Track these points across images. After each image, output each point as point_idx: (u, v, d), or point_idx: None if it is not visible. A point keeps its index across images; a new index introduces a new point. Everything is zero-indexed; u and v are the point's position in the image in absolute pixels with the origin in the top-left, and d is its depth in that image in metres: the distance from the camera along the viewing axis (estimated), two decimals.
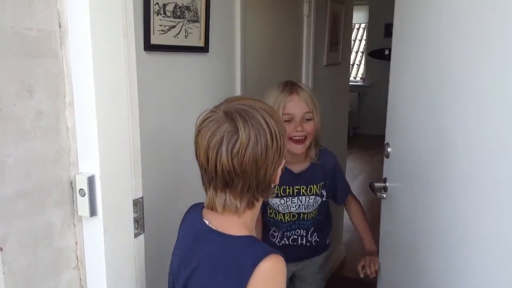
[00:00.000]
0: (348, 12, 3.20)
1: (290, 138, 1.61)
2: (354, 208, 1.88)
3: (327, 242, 1.94)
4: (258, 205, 1.02)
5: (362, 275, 1.75)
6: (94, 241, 1.05)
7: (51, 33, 0.97)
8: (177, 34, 1.42)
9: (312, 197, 1.75)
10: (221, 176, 0.93)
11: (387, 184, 1.66)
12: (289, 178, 1.70)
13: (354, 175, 6.14)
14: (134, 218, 1.15)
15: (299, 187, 1.73)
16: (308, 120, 1.63)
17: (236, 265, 0.93)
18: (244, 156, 0.90)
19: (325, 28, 2.77)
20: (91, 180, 1.01)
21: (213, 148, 0.91)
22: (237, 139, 0.90)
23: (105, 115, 1.02)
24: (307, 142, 1.65)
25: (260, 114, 0.94)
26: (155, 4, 1.30)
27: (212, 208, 0.99)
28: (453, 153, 1.16)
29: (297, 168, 1.73)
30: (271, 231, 1.81)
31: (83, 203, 1.02)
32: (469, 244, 1.10)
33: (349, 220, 1.95)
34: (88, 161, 1.02)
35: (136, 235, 1.17)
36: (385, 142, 1.66)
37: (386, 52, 8.08)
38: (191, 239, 1.03)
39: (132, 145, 1.12)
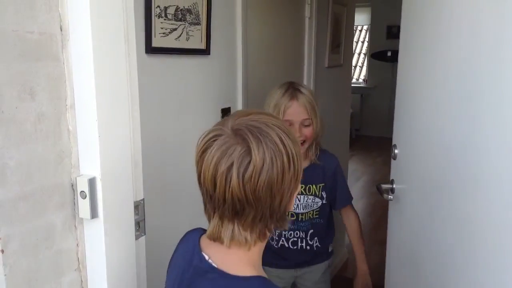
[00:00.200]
0: (350, 14, 3.20)
1: None
2: (352, 223, 1.87)
3: (330, 250, 1.91)
4: (268, 236, 0.89)
5: None
6: (95, 243, 1.06)
7: (53, 36, 0.97)
8: (178, 37, 1.42)
9: (311, 197, 1.75)
10: (230, 204, 0.79)
11: (394, 185, 1.66)
12: None
13: (357, 177, 6.14)
14: (135, 220, 1.15)
15: None
16: (307, 125, 1.64)
17: None
18: (258, 182, 0.77)
19: (327, 30, 2.77)
20: (92, 182, 1.01)
21: (222, 173, 0.77)
22: (250, 161, 0.77)
23: (106, 117, 1.02)
24: (306, 145, 1.67)
25: (275, 133, 0.81)
26: (156, 7, 1.31)
27: (217, 239, 0.85)
28: (461, 155, 1.16)
29: None
30: None
31: (84, 205, 1.02)
32: (476, 247, 1.10)
33: None
34: (89, 163, 1.02)
35: (137, 237, 1.17)
36: (393, 143, 1.67)
37: (389, 54, 8.10)
38: (187, 276, 0.89)
39: (133, 147, 1.12)
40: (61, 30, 0.99)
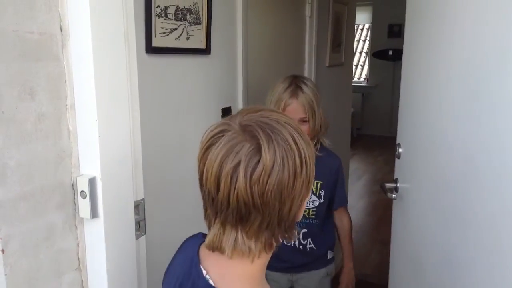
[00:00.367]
0: (351, 13, 3.20)
1: None
2: (344, 225, 1.87)
3: (329, 257, 1.86)
4: (274, 247, 0.81)
5: None
6: (95, 242, 1.06)
7: (53, 36, 0.97)
8: (178, 37, 1.42)
9: None
10: (235, 208, 0.71)
11: (398, 184, 1.67)
12: None
13: (358, 176, 6.14)
14: (135, 220, 1.15)
15: None
16: (304, 121, 1.64)
17: None
18: (267, 184, 0.69)
19: (328, 29, 2.77)
20: (92, 182, 1.01)
21: (227, 173, 0.70)
22: (259, 160, 0.69)
23: (106, 117, 1.02)
24: None
25: (287, 131, 0.73)
26: (157, 7, 1.31)
27: (217, 249, 0.77)
28: (464, 154, 1.16)
29: None
30: None
31: (84, 205, 1.02)
32: (480, 246, 1.09)
33: (357, 221, 1.95)
34: (90, 163, 1.03)
35: (137, 237, 1.17)
36: (397, 142, 1.68)
37: (390, 52, 8.10)
38: None
39: (133, 147, 1.12)
40: (61, 30, 0.99)
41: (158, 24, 1.33)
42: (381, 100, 8.45)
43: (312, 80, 2.57)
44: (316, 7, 2.55)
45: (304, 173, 0.73)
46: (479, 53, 1.09)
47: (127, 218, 1.12)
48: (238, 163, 0.69)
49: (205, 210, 0.79)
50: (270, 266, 0.85)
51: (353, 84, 3.84)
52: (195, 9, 1.47)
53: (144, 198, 1.19)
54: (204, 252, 0.83)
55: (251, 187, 0.69)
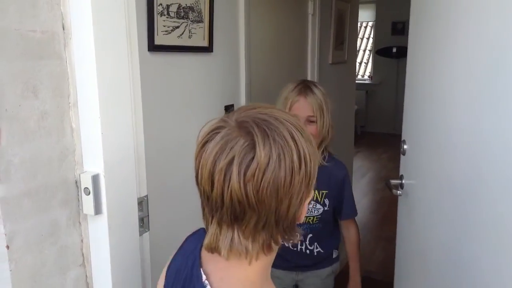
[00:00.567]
0: (354, 10, 3.20)
1: None
2: (351, 237, 1.84)
3: (334, 256, 1.86)
4: (276, 249, 0.78)
5: None
6: (99, 239, 1.07)
7: (55, 34, 0.98)
8: (181, 35, 1.43)
9: (312, 202, 1.71)
10: (229, 207, 0.69)
11: (403, 181, 1.67)
12: None
13: (362, 173, 6.13)
14: (139, 216, 1.16)
15: None
16: (312, 122, 1.61)
17: None
18: (261, 181, 0.67)
19: (330, 26, 2.77)
20: (95, 179, 1.02)
21: (221, 170, 0.68)
22: (253, 158, 0.67)
23: (108, 115, 1.03)
24: None
25: (285, 128, 0.71)
26: (159, 5, 1.32)
27: (214, 250, 0.75)
28: (469, 151, 1.16)
29: None
30: None
31: (88, 202, 1.03)
32: (484, 243, 1.09)
33: (356, 218, 1.93)
34: (93, 160, 1.04)
35: (141, 233, 1.18)
36: (402, 139, 1.68)
37: (394, 50, 8.08)
38: None
39: (136, 144, 1.13)
40: (63, 29, 1.00)
41: (160, 22, 1.34)
42: (385, 97, 8.44)
43: (315, 77, 2.58)
44: (318, 5, 2.55)
45: (303, 171, 0.70)
46: (483, 51, 1.09)
47: (130, 214, 1.13)
48: (232, 160, 0.67)
49: (203, 209, 0.77)
50: (275, 265, 0.83)
51: (356, 81, 3.85)
52: (197, 7, 1.47)
53: (147, 195, 1.20)
54: (205, 253, 0.81)
55: (245, 185, 0.67)
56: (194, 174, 0.75)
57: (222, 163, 0.68)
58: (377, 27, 8.73)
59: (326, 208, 1.73)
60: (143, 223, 1.19)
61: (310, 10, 2.52)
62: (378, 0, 8.24)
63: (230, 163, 0.68)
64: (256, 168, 0.67)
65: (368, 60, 9.98)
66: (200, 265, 0.80)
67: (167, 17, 1.36)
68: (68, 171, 1.03)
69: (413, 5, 1.59)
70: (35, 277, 0.97)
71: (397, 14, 7.63)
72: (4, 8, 0.87)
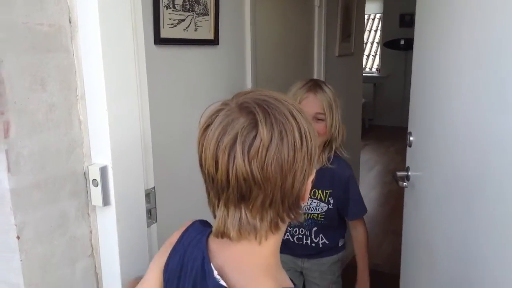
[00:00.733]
0: (361, 2, 3.18)
1: None
2: (359, 236, 1.83)
3: (340, 244, 1.87)
4: (283, 229, 0.78)
5: None
6: (107, 230, 1.08)
7: (62, 28, 0.99)
8: (186, 27, 1.43)
9: (316, 201, 1.72)
10: (235, 187, 0.70)
11: (409, 173, 1.67)
12: None
13: (370, 166, 6.13)
14: (146, 208, 1.17)
15: None
16: (320, 120, 1.60)
17: None
18: (265, 158, 0.68)
19: (337, 18, 2.77)
20: (103, 171, 1.04)
21: (224, 149, 0.69)
22: (256, 135, 0.68)
23: (115, 107, 1.04)
24: (318, 142, 1.62)
25: (285, 107, 0.73)
26: None
27: (224, 234, 0.75)
28: (475, 142, 1.15)
29: None
30: None
31: (96, 193, 1.04)
32: (490, 234, 1.09)
33: (369, 212, 1.91)
34: (100, 152, 1.05)
35: (149, 225, 1.20)
36: (408, 131, 1.67)
37: (402, 42, 8.03)
38: None
39: (143, 136, 1.14)
40: (70, 22, 1.01)
41: (166, 15, 1.34)
42: (393, 90, 8.40)
43: (322, 69, 2.58)
44: None
45: (304, 147, 0.72)
46: (490, 41, 1.09)
47: (138, 206, 1.14)
48: (235, 139, 0.69)
49: (208, 194, 0.78)
50: (280, 250, 0.83)
51: (364, 74, 3.83)
52: None
53: (154, 187, 1.21)
54: (213, 245, 0.82)
55: (249, 162, 0.68)
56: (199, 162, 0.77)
57: (225, 143, 0.69)
58: (384, 19, 8.69)
59: (330, 206, 1.73)
60: (151, 214, 1.20)
61: (316, 2, 2.51)
62: None
63: (234, 142, 0.69)
64: (259, 145, 0.68)
65: (376, 52, 9.93)
66: (210, 260, 0.79)
67: (172, 10, 1.36)
68: (77, 163, 1.04)
69: None
70: (45, 267, 0.99)
71: (405, 6, 7.58)
72: (11, 2, 0.88)
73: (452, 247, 1.30)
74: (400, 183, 1.70)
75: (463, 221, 1.23)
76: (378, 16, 9.78)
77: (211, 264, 0.79)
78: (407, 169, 1.68)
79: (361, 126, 3.59)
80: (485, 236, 1.11)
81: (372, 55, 10.02)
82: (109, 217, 1.07)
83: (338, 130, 1.65)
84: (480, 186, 1.13)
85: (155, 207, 1.22)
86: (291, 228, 1.77)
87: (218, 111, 0.74)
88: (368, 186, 5.18)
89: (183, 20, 1.41)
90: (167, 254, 0.89)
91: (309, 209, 1.73)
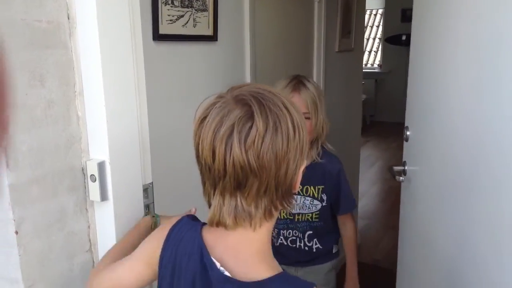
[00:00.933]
0: None
1: None
2: (348, 232, 1.82)
3: (334, 251, 1.84)
4: (275, 217, 0.82)
5: None
6: (105, 225, 1.09)
7: (60, 24, 1.00)
8: (185, 24, 1.44)
9: (309, 198, 1.71)
10: (231, 175, 0.73)
11: (406, 167, 1.68)
12: None
13: (371, 162, 6.13)
14: (144, 203, 1.18)
15: None
16: (306, 118, 1.57)
17: None
18: (261, 147, 0.72)
19: (337, 14, 2.76)
20: (101, 166, 1.05)
21: (221, 139, 0.72)
22: (252, 125, 0.72)
23: (113, 103, 1.05)
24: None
25: (278, 99, 0.76)
26: None
27: (219, 223, 0.78)
28: (471, 136, 1.16)
29: None
30: None
31: (94, 188, 1.05)
32: (485, 228, 1.10)
33: (364, 207, 1.92)
34: (98, 148, 1.06)
35: None
36: (405, 125, 1.68)
37: (403, 38, 8.01)
38: (198, 284, 0.82)
39: (141, 132, 1.15)
40: (68, 18, 1.01)
41: (165, 11, 1.35)
42: (395, 86, 8.38)
43: (321, 65, 2.58)
44: None
45: (297, 137, 0.75)
46: (485, 35, 1.09)
47: (136, 201, 1.15)
48: (232, 130, 0.72)
49: (204, 184, 0.81)
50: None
51: (366, 70, 3.84)
52: None
53: (152, 182, 1.22)
54: (208, 235, 0.83)
55: (246, 151, 0.71)
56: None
57: (222, 133, 0.72)
58: (386, 15, 8.66)
59: (324, 204, 1.72)
60: (149, 209, 1.21)
61: None
62: None
63: (231, 132, 0.72)
64: (255, 135, 0.71)
65: (377, 48, 9.91)
66: (209, 253, 0.81)
67: (171, 6, 1.37)
68: (75, 159, 1.05)
69: None
70: (43, 262, 1.00)
71: (406, 1, 7.47)
72: None
73: (448, 241, 1.31)
74: (397, 177, 1.71)
75: (458, 216, 1.23)
76: (380, 11, 9.75)
77: (212, 258, 0.80)
78: (404, 164, 1.69)
79: (361, 122, 3.59)
80: (480, 231, 1.12)
81: (374, 51, 10.00)
82: (107, 212, 1.08)
83: (322, 126, 1.64)
84: (475, 181, 1.14)
85: (153, 202, 1.22)
86: (285, 231, 1.74)
87: (214, 103, 0.77)
88: (369, 182, 5.18)
89: (181, 16, 1.42)
90: (157, 250, 0.88)
91: (302, 208, 1.71)
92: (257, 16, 1.84)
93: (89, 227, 1.11)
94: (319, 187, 1.70)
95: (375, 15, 10.15)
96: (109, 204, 1.07)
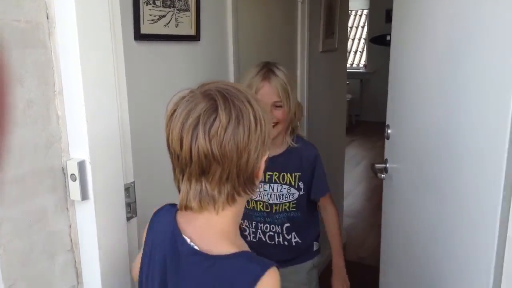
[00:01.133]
0: None
1: None
2: (329, 216, 1.78)
3: (314, 248, 1.79)
4: (241, 203, 0.90)
5: None
6: (86, 224, 1.10)
7: (39, 24, 1.00)
8: (167, 23, 1.44)
9: (286, 186, 1.68)
10: (196, 162, 0.81)
11: (387, 165, 1.70)
12: None
13: (357, 161, 6.17)
14: (126, 202, 1.19)
15: (271, 173, 1.65)
16: (278, 107, 1.58)
17: None
18: (223, 138, 0.79)
19: (320, 14, 2.78)
20: (81, 165, 1.05)
21: (188, 130, 0.80)
22: (216, 117, 0.79)
23: (93, 103, 1.05)
24: (279, 127, 1.60)
25: (243, 95, 0.84)
26: None
27: (187, 207, 0.86)
28: (448, 134, 1.18)
29: (271, 152, 1.58)
30: (243, 225, 1.72)
31: (74, 188, 1.05)
32: (461, 221, 1.12)
33: (350, 206, 1.93)
34: (78, 147, 1.06)
35: (128, 219, 1.21)
36: (386, 123, 1.70)
37: (388, 38, 8.05)
38: (173, 262, 0.90)
39: (122, 131, 1.15)
40: (47, 18, 1.01)
41: (146, 11, 1.35)
42: (380, 86, 8.41)
43: (305, 65, 2.59)
44: None
45: (259, 130, 0.83)
46: (463, 38, 1.12)
47: (117, 200, 1.15)
48: (197, 121, 0.80)
49: (174, 171, 0.89)
50: None
51: (351, 70, 3.87)
52: None
53: (134, 181, 1.22)
54: (180, 218, 0.92)
55: (210, 141, 0.79)
56: None
57: (189, 124, 0.80)
58: (371, 15, 8.72)
59: (301, 193, 1.69)
60: (131, 208, 1.21)
61: None
62: None
63: (196, 123, 0.80)
64: (218, 127, 0.79)
65: (363, 49, 9.98)
66: (181, 232, 0.90)
67: (153, 6, 1.37)
68: (55, 158, 1.05)
69: None
70: (24, 261, 1.00)
71: (391, 2, 7.54)
72: None
73: (425, 236, 1.33)
74: (379, 175, 1.73)
75: (435, 212, 1.26)
76: (365, 12, 9.83)
77: (184, 236, 0.89)
78: (386, 161, 1.72)
79: (345, 122, 3.62)
80: (455, 227, 1.14)
81: (360, 52, 10.07)
82: (88, 211, 1.08)
83: (295, 112, 1.63)
84: (451, 178, 1.16)
85: (135, 201, 1.23)
86: (262, 225, 1.71)
87: (183, 97, 0.85)
88: (355, 181, 5.22)
89: (163, 16, 1.42)
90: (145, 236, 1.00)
91: (279, 197, 1.68)
92: (240, 16, 1.85)
93: (70, 226, 1.11)
94: (295, 174, 1.67)
95: (360, 15, 10.23)
96: (90, 204, 1.08)
